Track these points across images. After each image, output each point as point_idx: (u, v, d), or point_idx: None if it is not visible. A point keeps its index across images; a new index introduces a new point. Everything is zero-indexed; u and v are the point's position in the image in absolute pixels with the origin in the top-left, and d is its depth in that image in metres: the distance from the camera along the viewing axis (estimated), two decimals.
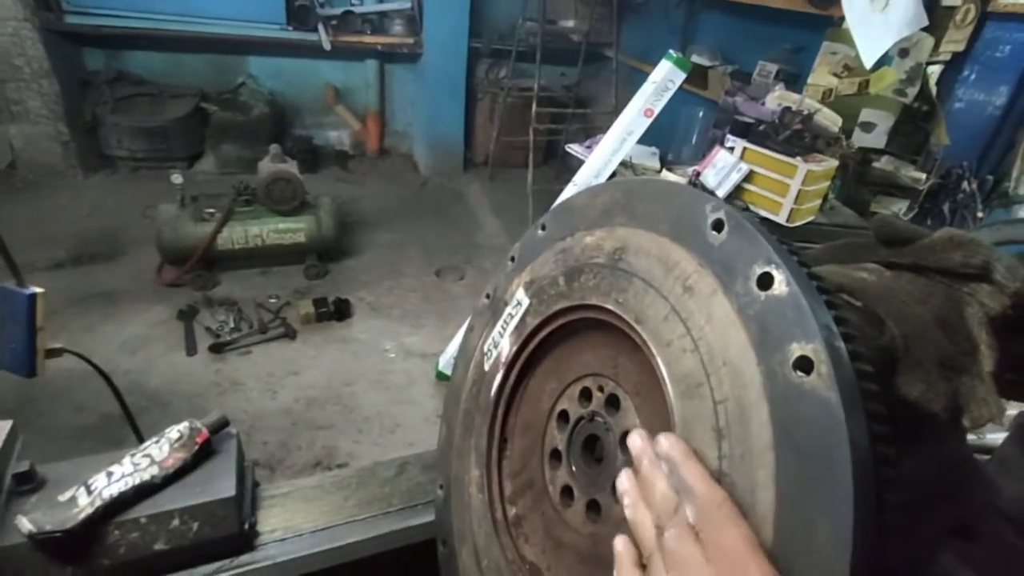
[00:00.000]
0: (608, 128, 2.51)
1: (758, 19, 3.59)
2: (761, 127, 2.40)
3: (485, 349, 0.84)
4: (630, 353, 0.65)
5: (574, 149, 2.83)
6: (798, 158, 2.24)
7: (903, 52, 2.52)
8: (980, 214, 2.54)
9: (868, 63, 2.31)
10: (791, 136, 2.33)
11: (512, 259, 0.85)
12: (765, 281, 0.48)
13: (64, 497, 0.74)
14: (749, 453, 0.45)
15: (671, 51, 2.30)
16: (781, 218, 2.30)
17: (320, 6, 4.49)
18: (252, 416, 2.53)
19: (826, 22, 2.80)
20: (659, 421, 0.60)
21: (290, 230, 3.42)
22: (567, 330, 0.74)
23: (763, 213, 2.33)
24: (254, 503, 0.88)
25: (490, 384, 0.82)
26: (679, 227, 0.59)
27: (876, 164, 2.74)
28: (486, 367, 0.84)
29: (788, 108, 2.43)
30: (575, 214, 0.74)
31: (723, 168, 2.38)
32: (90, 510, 0.72)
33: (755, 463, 0.45)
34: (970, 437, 1.19)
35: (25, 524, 0.70)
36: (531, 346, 0.77)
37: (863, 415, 0.41)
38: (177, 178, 3.14)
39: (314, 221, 3.45)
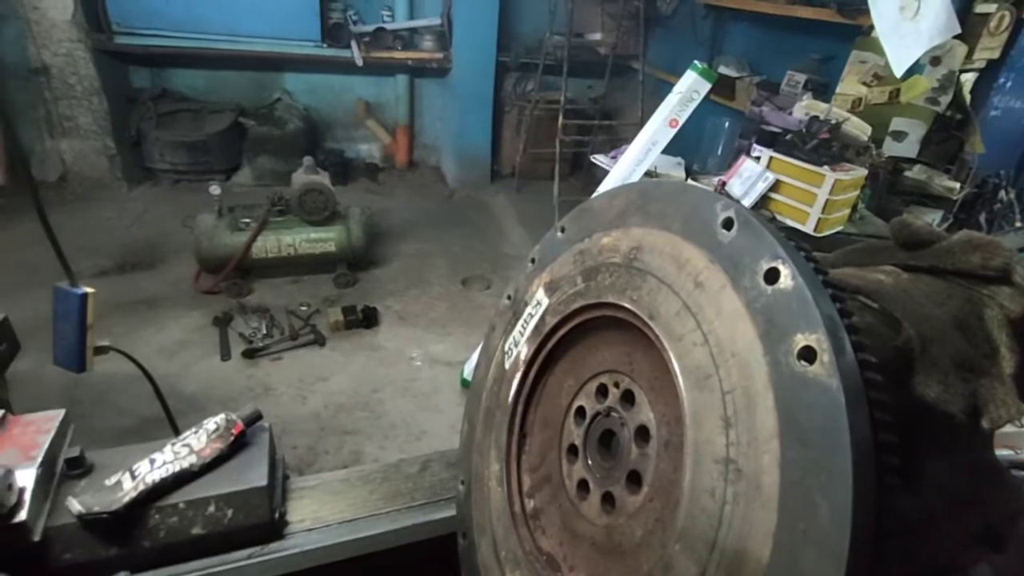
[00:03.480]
0: (633, 138, 2.53)
1: (786, 29, 3.58)
2: (788, 136, 2.39)
3: (506, 348, 0.87)
4: (645, 349, 0.67)
5: (599, 160, 2.85)
6: (825, 167, 2.22)
7: (935, 60, 2.48)
8: (1019, 224, 2.48)
9: (899, 72, 2.29)
10: (818, 145, 2.31)
11: (532, 261, 0.88)
12: (772, 275, 0.50)
13: (110, 481, 0.79)
14: (755, 440, 0.47)
15: (696, 62, 2.32)
16: (808, 228, 2.28)
17: (353, 23, 4.64)
18: (283, 420, 2.60)
19: (855, 31, 2.78)
20: (671, 413, 0.62)
21: (321, 240, 3.51)
22: (585, 328, 0.76)
23: (789, 223, 2.32)
24: (284, 494, 0.92)
25: (510, 382, 0.84)
26: (691, 226, 0.61)
27: (908, 173, 2.69)
28: (507, 366, 0.86)
29: (815, 117, 2.41)
30: (593, 216, 0.77)
31: (749, 178, 2.38)
32: (134, 494, 0.77)
33: (760, 449, 0.46)
34: (1007, 452, 1.17)
35: (75, 505, 0.75)
36: (550, 344, 0.80)
37: (865, 402, 0.43)
38: (215, 190, 3.27)
39: (344, 231, 3.54)
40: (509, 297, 0.91)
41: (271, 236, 3.40)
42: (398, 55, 4.83)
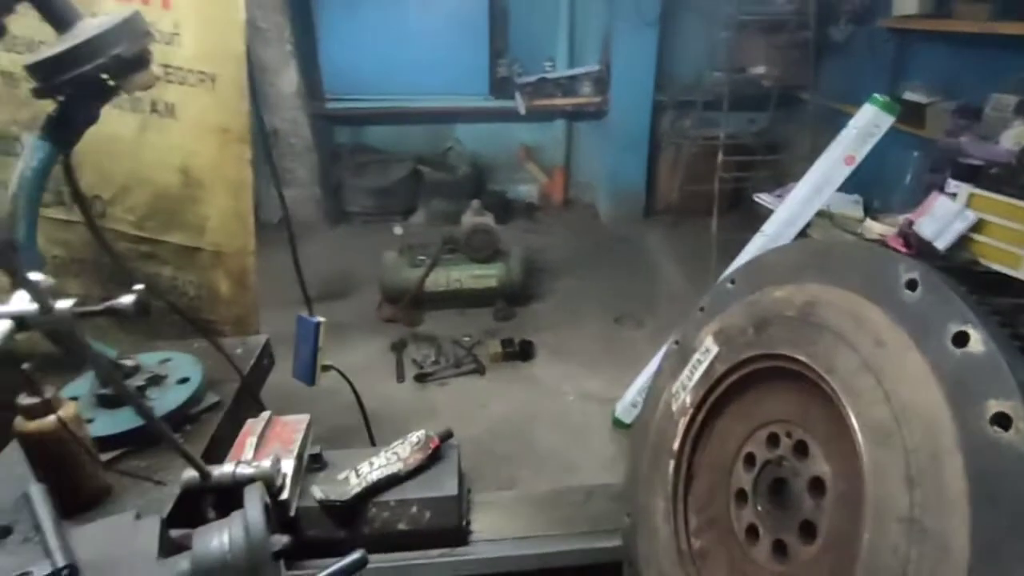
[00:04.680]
0: (802, 174, 2.41)
1: (988, 47, 3.17)
2: (993, 170, 2.12)
3: (674, 390, 0.92)
4: (819, 402, 0.69)
5: (763, 199, 2.76)
6: None
7: None
8: None
9: None
10: None
11: (701, 309, 0.93)
12: (961, 339, 0.51)
13: (341, 476, 0.98)
14: (942, 501, 0.48)
15: (876, 95, 2.17)
16: (1023, 273, 1.99)
17: (518, 76, 5.02)
18: (446, 426, 2.83)
19: None
20: (849, 468, 0.63)
21: (484, 275, 3.79)
22: (754, 377, 0.80)
23: (998, 268, 2.04)
24: (468, 505, 1.05)
25: (677, 423, 0.89)
26: (871, 284, 0.63)
27: None
28: (674, 407, 0.92)
29: None
30: (765, 270, 0.81)
31: (943, 216, 2.14)
32: (359, 488, 0.95)
33: (948, 511, 0.48)
34: None
35: (318, 492, 0.95)
36: (719, 390, 0.84)
37: None
38: (398, 230, 3.73)
39: (505, 268, 3.79)
40: (676, 342, 0.97)
41: (441, 271, 3.76)
42: (558, 101, 5.11)
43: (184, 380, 1.07)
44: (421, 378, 3.29)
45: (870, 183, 2.58)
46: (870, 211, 2.48)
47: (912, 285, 0.57)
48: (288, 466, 0.94)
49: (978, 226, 2.09)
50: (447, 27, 4.80)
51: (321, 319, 1.32)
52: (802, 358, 0.69)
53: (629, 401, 2.85)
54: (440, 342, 3.61)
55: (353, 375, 3.34)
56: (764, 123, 4.98)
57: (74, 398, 0.96)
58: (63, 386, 1.04)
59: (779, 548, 0.70)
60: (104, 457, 0.92)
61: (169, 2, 1.28)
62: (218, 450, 1.00)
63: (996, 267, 2.06)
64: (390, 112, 5.01)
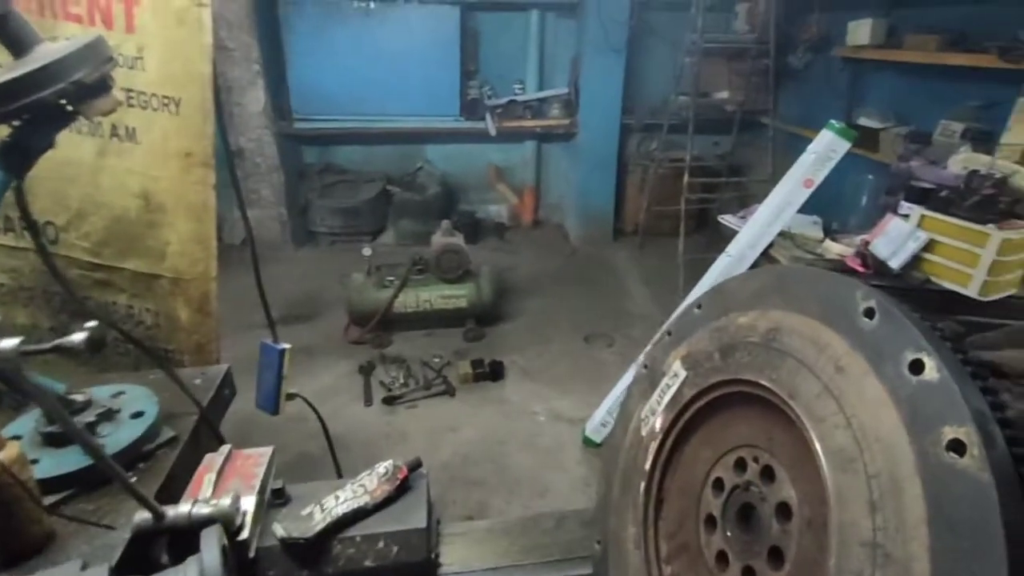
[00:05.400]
0: (764, 196, 2.49)
1: (937, 77, 3.35)
2: (943, 193, 2.22)
3: (643, 415, 0.93)
4: (784, 427, 0.70)
5: (727, 220, 2.83)
6: (990, 225, 2.03)
7: None
8: None
9: None
10: (981, 202, 2.12)
11: (668, 333, 0.94)
12: (916, 366, 0.52)
13: (305, 512, 0.95)
14: (903, 526, 0.49)
15: (833, 121, 2.26)
16: (972, 291, 2.07)
17: (488, 98, 5.08)
18: (415, 456, 2.78)
19: (1021, 76, 2.55)
20: (814, 493, 0.64)
21: (454, 296, 3.78)
22: (721, 402, 0.80)
23: (948, 286, 2.12)
24: (437, 537, 1.03)
25: (647, 448, 0.89)
26: (830, 311, 0.65)
27: None
28: (643, 432, 0.92)
29: (976, 171, 2.22)
30: (729, 296, 0.82)
31: (897, 237, 2.23)
32: (323, 524, 0.92)
33: (909, 535, 0.48)
34: None
35: (279, 530, 0.91)
36: (687, 415, 0.85)
37: (1019, 497, 0.44)
38: (367, 251, 3.68)
39: (475, 288, 3.78)
40: (646, 366, 0.97)
41: (411, 292, 3.73)
42: (528, 123, 5.19)
43: (138, 414, 1.02)
44: (390, 401, 3.24)
45: (829, 205, 2.67)
46: (829, 232, 2.56)
47: (869, 313, 0.59)
48: (249, 503, 0.91)
49: (929, 246, 2.17)
50: (418, 49, 4.83)
51: (286, 345, 1.29)
52: (766, 383, 0.70)
53: (599, 421, 2.85)
54: (409, 364, 3.57)
55: (320, 399, 3.28)
56: (727, 146, 5.14)
57: (17, 437, 0.91)
58: (5, 424, 0.99)
59: (748, 574, 0.70)
60: (49, 500, 0.87)
61: (133, 25, 1.26)
62: (174, 489, 0.96)
63: (947, 285, 2.15)
64: (359, 132, 5.01)
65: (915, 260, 2.20)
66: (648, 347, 2.66)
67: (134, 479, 0.96)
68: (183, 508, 0.83)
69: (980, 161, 2.33)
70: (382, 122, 4.97)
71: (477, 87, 5.12)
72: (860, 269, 2.27)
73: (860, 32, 3.72)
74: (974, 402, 0.48)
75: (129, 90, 1.26)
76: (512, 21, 5.10)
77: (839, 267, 2.32)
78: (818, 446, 0.60)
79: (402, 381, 3.40)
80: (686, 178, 4.22)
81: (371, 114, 4.92)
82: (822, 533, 0.61)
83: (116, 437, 0.99)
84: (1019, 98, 2.49)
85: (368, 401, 3.28)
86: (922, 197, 2.29)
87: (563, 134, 5.32)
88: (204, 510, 0.83)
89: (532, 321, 4.13)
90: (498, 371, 3.47)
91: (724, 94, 5.04)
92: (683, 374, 0.86)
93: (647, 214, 5.14)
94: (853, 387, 0.58)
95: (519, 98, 5.19)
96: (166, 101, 1.24)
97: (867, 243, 2.30)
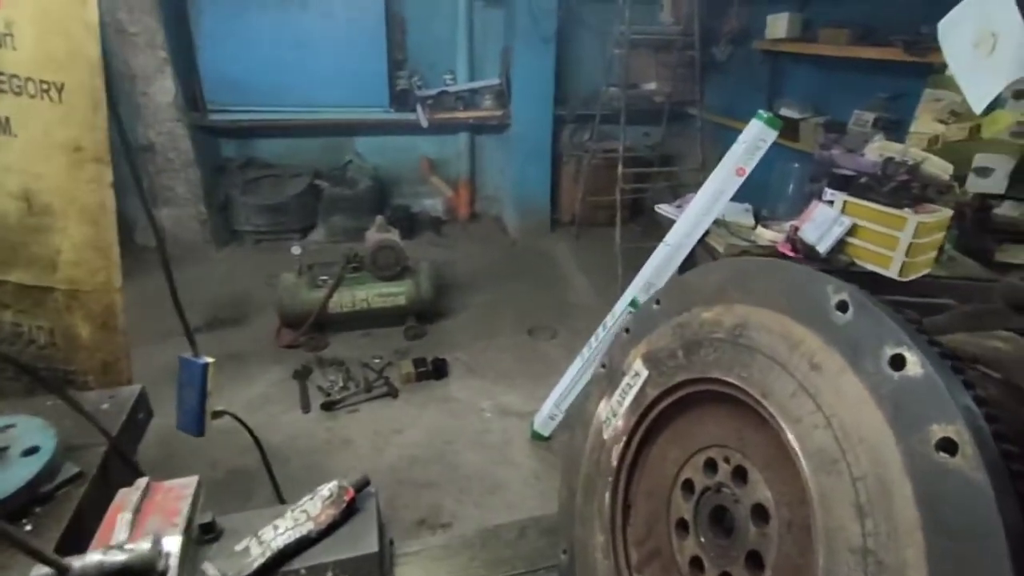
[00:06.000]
0: (695, 184, 2.54)
1: (850, 69, 3.54)
2: (862, 179, 2.33)
3: (604, 416, 0.89)
4: (756, 426, 0.67)
5: (664, 209, 2.87)
6: (907, 210, 2.15)
7: (1018, 94, 2.39)
8: None
9: (978, 110, 2.19)
10: (897, 187, 2.24)
11: (627, 331, 0.90)
12: (897, 362, 0.50)
13: (240, 547, 0.85)
14: (895, 531, 0.47)
15: (761, 111, 2.33)
16: (892, 272, 2.19)
17: (418, 88, 4.94)
18: (361, 473, 2.66)
19: (926, 69, 2.72)
20: (792, 495, 0.61)
21: (392, 294, 3.65)
22: (687, 401, 0.77)
23: (871, 267, 2.24)
24: (391, 559, 0.95)
25: (611, 450, 0.86)
26: (799, 305, 0.62)
27: (997, 211, 2.55)
28: (605, 434, 0.88)
29: (891, 159, 2.35)
30: (690, 290, 0.79)
31: (823, 222, 2.32)
32: (261, 560, 0.82)
33: (902, 542, 0.46)
34: None
35: (211, 570, 0.81)
36: (652, 415, 0.81)
37: (1014, 494, 0.42)
38: (296, 250, 3.49)
39: (414, 285, 3.67)
40: (604, 365, 0.94)
41: (346, 292, 3.57)
42: (460, 115, 5.09)
43: (32, 450, 0.88)
44: (329, 406, 3.09)
45: (759, 193, 2.76)
46: (759, 219, 2.65)
47: (842, 306, 0.57)
48: (173, 543, 0.80)
49: (852, 230, 2.28)
50: (342, 36, 4.62)
51: (208, 359, 1.16)
52: (735, 382, 0.67)
53: (546, 414, 2.84)
54: (348, 366, 3.43)
55: (253, 409, 3.11)
56: (658, 137, 5.26)
57: None
58: None
59: None
60: None
61: None
62: (82, 534, 0.83)
63: (869, 267, 2.26)
64: (282, 124, 4.74)
65: (840, 244, 2.30)
66: (592, 342, 2.65)
67: (28, 528, 0.83)
68: (93, 557, 0.72)
69: (893, 149, 2.46)
70: (307, 113, 4.73)
71: (406, 77, 4.97)
72: (791, 254, 2.36)
73: (778, 25, 3.87)
74: (960, 398, 0.46)
75: None
76: (439, 7, 4.97)
77: (772, 253, 2.40)
78: (796, 447, 0.58)
79: (341, 384, 3.26)
80: (620, 169, 4.27)
81: (294, 105, 4.67)
82: (804, 536, 0.58)
83: (5, 479, 0.85)
84: (926, 89, 2.66)
85: (306, 408, 3.12)
86: (844, 184, 2.40)
87: (496, 125, 5.26)
88: (118, 557, 0.73)
89: (474, 316, 4.07)
90: (441, 369, 3.39)
91: (652, 85, 5.14)
92: (645, 373, 0.82)
93: (583, 204, 5.18)
94: (830, 385, 0.56)
95: (450, 89, 5.08)
96: (45, 87, 1.07)
97: (796, 229, 2.39)
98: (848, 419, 0.53)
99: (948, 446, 0.45)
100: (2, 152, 1.10)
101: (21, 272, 1.17)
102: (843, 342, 0.56)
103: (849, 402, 0.53)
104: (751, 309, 0.68)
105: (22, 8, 1.05)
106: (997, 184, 2.55)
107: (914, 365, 0.49)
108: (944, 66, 2.38)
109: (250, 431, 1.32)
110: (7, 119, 1.09)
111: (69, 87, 1.08)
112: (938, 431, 0.46)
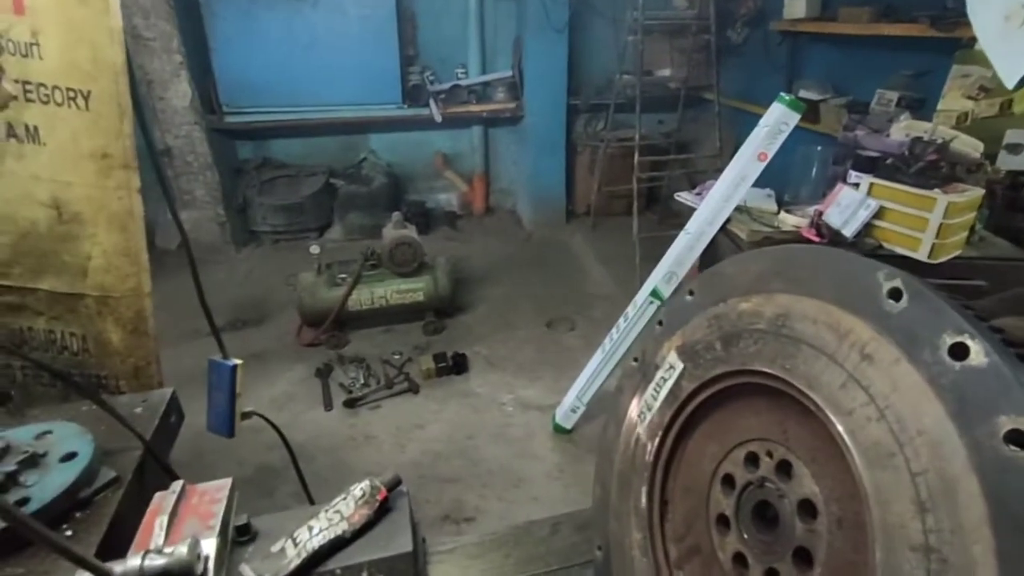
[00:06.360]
0: (713, 171, 2.49)
1: (872, 47, 3.44)
2: (889, 160, 2.28)
3: (638, 412, 0.87)
4: (799, 419, 0.65)
5: (683, 197, 2.83)
6: (936, 190, 2.09)
7: None
8: None
9: (1010, 84, 2.13)
10: (925, 167, 2.18)
11: (660, 323, 0.88)
12: (959, 351, 0.48)
13: (275, 548, 0.85)
14: (960, 528, 0.45)
15: (783, 94, 2.27)
16: (922, 255, 2.13)
17: (431, 83, 4.92)
18: (385, 469, 2.68)
19: (953, 44, 2.64)
20: (842, 489, 0.59)
21: (410, 290, 3.65)
22: (726, 394, 0.75)
23: (900, 251, 2.18)
24: (424, 558, 0.95)
25: (646, 446, 0.84)
26: (848, 294, 0.60)
27: None
28: (640, 429, 0.86)
29: (918, 138, 2.29)
30: (726, 280, 0.77)
31: (848, 206, 2.27)
32: (297, 561, 0.83)
33: (969, 538, 0.44)
34: None
35: (248, 572, 0.81)
36: (688, 409, 0.79)
37: None
38: (315, 249, 3.51)
39: (431, 280, 3.67)
40: (636, 359, 0.92)
41: (365, 289, 3.58)
42: (473, 108, 5.06)
43: (70, 456, 0.89)
44: (351, 403, 3.11)
45: (780, 178, 2.71)
46: (782, 204, 2.60)
47: (895, 294, 0.55)
48: (210, 546, 0.80)
49: (879, 213, 2.23)
50: (353, 34, 4.61)
51: (237, 361, 1.17)
52: (779, 374, 0.65)
53: (568, 406, 2.83)
54: (368, 363, 3.44)
55: (277, 407, 3.13)
56: (673, 124, 5.18)
57: None
58: None
59: None
60: None
61: (23, 5, 1.08)
62: (121, 538, 0.84)
63: (898, 250, 2.21)
64: (297, 124, 4.76)
65: (866, 227, 2.25)
66: (612, 333, 2.62)
67: (69, 533, 0.84)
68: (133, 562, 0.72)
69: (921, 128, 2.40)
70: (320, 112, 4.73)
71: (418, 72, 4.94)
72: (816, 239, 2.31)
73: (796, 5, 3.78)
74: None
75: (25, 81, 1.08)
76: (450, 1, 4.94)
77: (796, 238, 2.36)
78: (848, 440, 0.56)
79: (363, 381, 3.28)
80: (636, 157, 4.22)
81: (308, 104, 4.68)
82: (857, 533, 0.56)
83: (44, 485, 0.86)
84: (953, 65, 2.57)
85: (328, 405, 3.14)
86: (869, 165, 2.34)
87: (509, 118, 5.23)
88: (158, 561, 0.73)
89: (492, 310, 4.06)
90: (461, 363, 3.39)
91: (667, 71, 5.06)
92: (680, 366, 0.80)
93: (598, 195, 5.13)
94: (884, 376, 0.53)
95: (462, 82, 5.06)
96: (72, 94, 1.07)
97: (820, 213, 2.33)
98: (905, 411, 0.51)
99: (1018, 438, 0.43)
100: (31, 161, 1.11)
101: (53, 280, 1.18)
102: (897, 331, 0.53)
103: (905, 394, 0.51)
104: (794, 299, 0.66)
105: (47, 17, 1.05)
106: None
107: (978, 354, 0.47)
108: (973, 40, 2.31)
109: (279, 432, 1.33)
110: (35, 128, 1.09)
111: (95, 95, 1.08)
112: (1006, 423, 0.44)
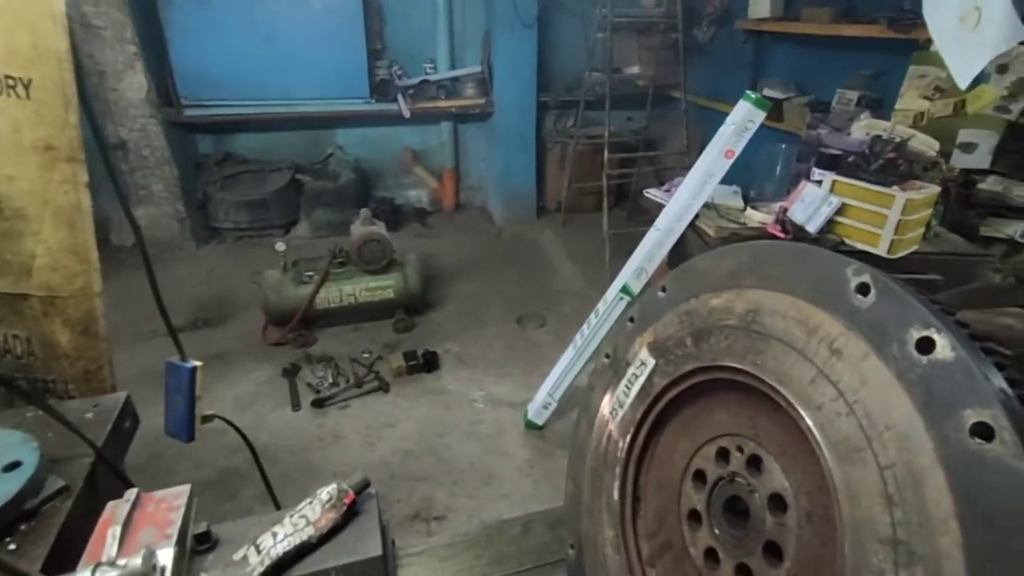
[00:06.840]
0: (681, 168, 2.51)
1: (832, 48, 3.53)
2: (850, 158, 2.33)
3: (609, 408, 0.87)
4: (770, 414, 0.65)
5: (653, 194, 2.85)
6: (895, 187, 2.15)
7: (1002, 68, 2.40)
8: None
9: (963, 85, 2.21)
10: (884, 165, 2.24)
11: (631, 320, 0.88)
12: (925, 345, 0.48)
13: (237, 556, 0.82)
14: (927, 521, 0.45)
15: (749, 92, 2.31)
16: (881, 250, 2.20)
17: (399, 78, 4.85)
18: (354, 469, 2.63)
19: (910, 45, 2.72)
20: (812, 484, 0.60)
21: (380, 287, 3.60)
22: (697, 390, 0.75)
23: (860, 246, 2.24)
24: (394, 561, 0.93)
25: (618, 443, 0.84)
26: (817, 289, 0.60)
27: (982, 185, 2.57)
28: (611, 426, 0.86)
29: (878, 136, 2.35)
30: (698, 276, 0.77)
31: (812, 203, 2.32)
32: (261, 568, 0.79)
33: (936, 531, 0.44)
34: None
35: None
36: (659, 405, 0.79)
37: None
38: (281, 246, 3.42)
39: (401, 277, 3.63)
40: (608, 355, 0.91)
41: (333, 287, 3.51)
42: (442, 104, 5.01)
43: (13, 465, 0.83)
44: (319, 403, 3.05)
45: (746, 175, 2.75)
46: (748, 200, 2.64)
47: (863, 289, 0.55)
48: (167, 556, 0.76)
49: (841, 209, 2.28)
50: (318, 26, 4.51)
51: (196, 363, 1.12)
52: (750, 369, 0.65)
53: (540, 403, 2.83)
54: (337, 362, 3.38)
55: (241, 408, 3.05)
56: (642, 121, 5.23)
57: None
58: None
59: (743, 572, 0.66)
60: None
61: None
62: (70, 551, 0.79)
63: (859, 246, 2.27)
64: (260, 118, 4.64)
65: (829, 224, 2.30)
66: (584, 329, 2.63)
67: (13, 547, 0.79)
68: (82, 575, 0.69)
69: (880, 127, 2.46)
70: (284, 107, 4.62)
71: (386, 67, 4.87)
72: (781, 235, 2.35)
73: (760, 5, 3.85)
74: (995, 381, 0.45)
75: None
76: None
77: (762, 234, 2.40)
78: (817, 435, 0.56)
79: (331, 380, 3.22)
80: (606, 154, 4.24)
81: (271, 98, 4.56)
82: (826, 526, 0.57)
83: None
84: (910, 65, 2.66)
85: (296, 405, 3.08)
86: (831, 163, 2.40)
87: (479, 114, 5.19)
88: (110, 574, 0.69)
89: (463, 307, 4.04)
90: (432, 361, 3.36)
91: (635, 69, 5.10)
92: (652, 362, 0.80)
93: (568, 191, 5.15)
94: (853, 370, 0.54)
95: (431, 78, 5.00)
96: (11, 82, 1.00)
97: (785, 210, 2.38)
98: (873, 406, 0.51)
99: (983, 431, 0.43)
100: None
101: None
102: (866, 326, 0.54)
103: (874, 388, 0.51)
104: (764, 294, 0.66)
105: None
106: (981, 159, 2.57)
107: (944, 348, 0.47)
108: (929, 42, 2.38)
109: (242, 433, 1.28)
110: None
111: (37, 83, 1.02)
112: (972, 416, 0.44)
